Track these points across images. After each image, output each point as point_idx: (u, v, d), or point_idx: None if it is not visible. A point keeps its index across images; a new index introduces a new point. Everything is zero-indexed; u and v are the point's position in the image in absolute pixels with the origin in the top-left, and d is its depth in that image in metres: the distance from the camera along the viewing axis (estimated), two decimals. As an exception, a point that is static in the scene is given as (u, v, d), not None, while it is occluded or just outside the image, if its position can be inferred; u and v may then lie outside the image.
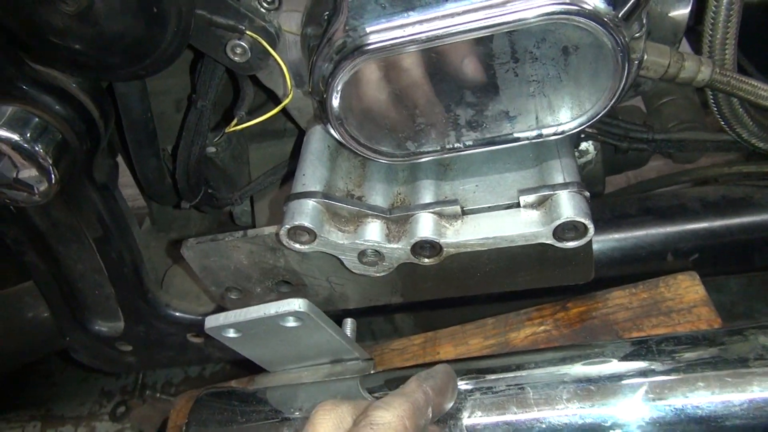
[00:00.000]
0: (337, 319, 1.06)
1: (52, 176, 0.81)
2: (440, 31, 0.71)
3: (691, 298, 0.99)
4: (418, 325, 1.34)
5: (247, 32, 0.85)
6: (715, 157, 1.34)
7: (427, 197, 0.88)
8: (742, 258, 1.03)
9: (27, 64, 0.80)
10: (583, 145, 1.14)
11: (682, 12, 0.86)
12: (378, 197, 0.90)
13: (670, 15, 0.86)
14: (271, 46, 0.87)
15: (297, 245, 0.86)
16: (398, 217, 0.86)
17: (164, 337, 1.18)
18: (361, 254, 0.87)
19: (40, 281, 1.08)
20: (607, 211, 1.06)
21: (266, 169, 1.21)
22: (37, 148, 0.79)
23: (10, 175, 0.82)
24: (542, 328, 1.04)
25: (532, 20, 0.68)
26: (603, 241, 1.06)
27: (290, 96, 0.89)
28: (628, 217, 1.05)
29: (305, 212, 0.84)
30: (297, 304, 0.81)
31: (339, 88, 0.77)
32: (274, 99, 0.98)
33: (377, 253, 0.87)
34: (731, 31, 0.81)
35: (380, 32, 0.73)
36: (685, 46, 0.98)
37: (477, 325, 1.08)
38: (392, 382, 0.92)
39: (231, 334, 0.87)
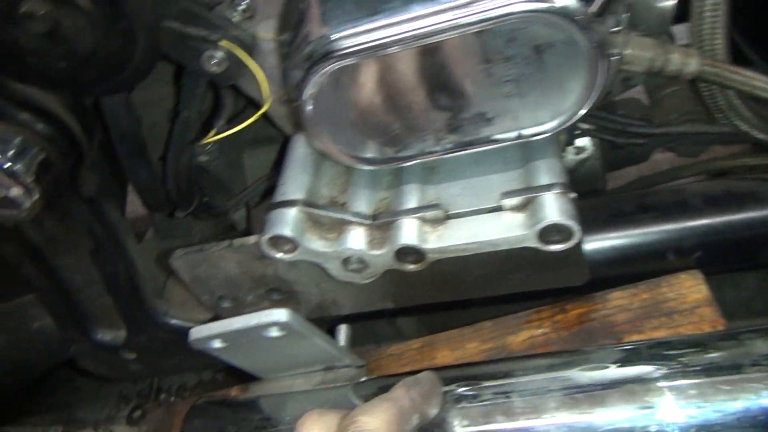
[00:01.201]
0: (338, 323, 1.06)
1: (35, 194, 0.82)
2: (407, 35, 0.69)
3: (694, 298, 0.95)
4: (421, 328, 1.33)
5: (221, 42, 0.84)
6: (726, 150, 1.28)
7: (411, 202, 0.86)
8: (747, 254, 0.98)
9: (5, 82, 0.81)
10: (581, 142, 1.11)
11: (669, 2, 0.82)
12: (362, 203, 0.89)
13: (656, 5, 0.82)
14: (248, 54, 0.86)
15: (279, 254, 0.86)
16: (381, 224, 0.85)
17: (167, 345, 1.19)
18: (345, 262, 0.86)
19: (40, 293, 1.09)
20: (603, 209, 1.03)
21: (261, 175, 1.21)
22: (17, 167, 0.80)
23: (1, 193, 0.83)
24: (540, 331, 1.01)
25: (497, 20, 0.65)
26: (600, 240, 1.02)
27: (267, 104, 0.88)
28: (625, 215, 1.01)
29: (285, 221, 0.83)
30: (278, 314, 0.81)
31: (310, 95, 0.76)
32: (256, 107, 0.97)
33: (361, 260, 0.85)
34: (720, 20, 0.77)
35: (347, 38, 0.71)
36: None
37: (475, 329, 1.07)
38: (385, 389, 0.91)
39: (217, 344, 0.87)
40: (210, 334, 0.85)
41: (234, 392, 1.09)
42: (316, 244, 0.84)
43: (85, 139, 0.89)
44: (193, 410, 0.96)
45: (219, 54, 0.85)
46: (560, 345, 0.98)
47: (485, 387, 0.80)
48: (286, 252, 0.85)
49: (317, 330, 0.87)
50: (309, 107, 0.77)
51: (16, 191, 0.82)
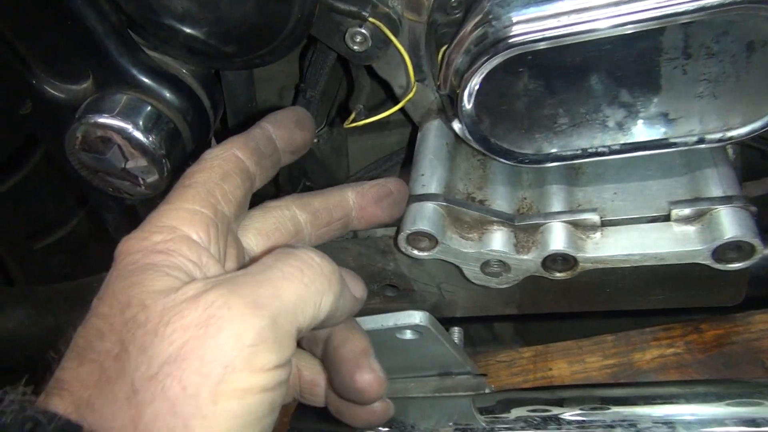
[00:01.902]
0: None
1: (165, 168, 0.77)
2: (602, 23, 0.62)
3: None
4: (518, 333, 1.26)
5: (370, 19, 0.78)
6: None
7: (558, 204, 0.80)
8: None
9: (142, 50, 0.76)
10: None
11: None
12: (502, 202, 0.82)
13: None
14: (393, 35, 0.80)
15: (415, 251, 0.80)
16: (528, 226, 0.78)
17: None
18: (485, 264, 0.80)
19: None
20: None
21: (365, 163, 1.15)
22: (150, 139, 0.75)
23: (119, 164, 0.78)
24: (671, 350, 0.94)
25: (720, 8, 0.58)
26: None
27: (413, 90, 0.82)
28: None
29: (426, 216, 0.77)
30: (418, 317, 0.75)
31: (475, 83, 0.69)
32: (389, 91, 0.91)
33: (502, 264, 0.79)
34: None
35: (528, 22, 0.64)
36: None
37: (594, 341, 1.00)
38: (506, 403, 0.85)
39: None
40: None
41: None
42: (457, 243, 0.78)
43: (212, 113, 0.84)
44: (300, 409, 0.91)
45: (364, 32, 0.79)
46: (697, 368, 0.90)
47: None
48: (422, 249, 0.79)
49: (448, 335, 0.81)
50: (469, 96, 0.71)
51: (139, 163, 0.77)
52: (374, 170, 1.11)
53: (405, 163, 1.08)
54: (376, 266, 0.90)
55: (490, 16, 0.67)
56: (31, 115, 0.81)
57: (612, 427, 0.77)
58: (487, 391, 0.87)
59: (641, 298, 0.85)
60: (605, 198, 0.80)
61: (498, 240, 0.78)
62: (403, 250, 0.80)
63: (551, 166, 0.83)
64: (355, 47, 0.81)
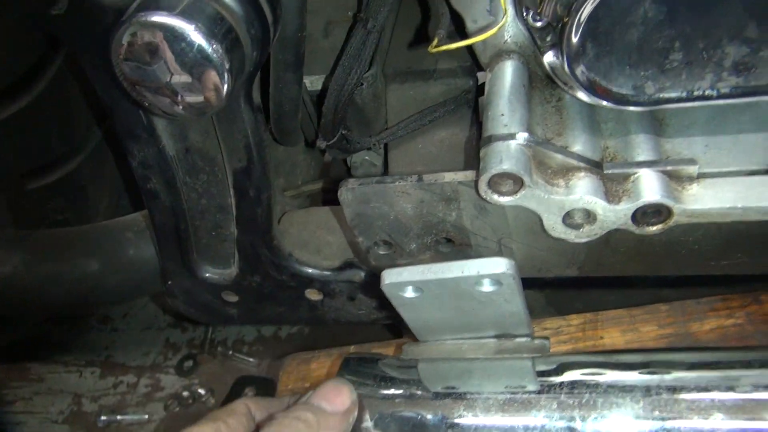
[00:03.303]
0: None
1: (225, 85, 0.68)
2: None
3: None
4: (550, 303, 1.21)
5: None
6: None
7: (644, 155, 0.74)
8: None
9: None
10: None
11: None
12: (584, 149, 0.76)
13: None
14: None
15: (495, 196, 0.73)
16: (617, 174, 0.73)
17: (279, 290, 1.06)
18: (568, 215, 0.74)
19: (156, 214, 0.95)
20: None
21: (405, 113, 1.07)
22: (214, 47, 0.65)
23: (163, 78, 0.68)
24: (731, 321, 0.90)
25: None
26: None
27: (506, 17, 0.74)
28: None
29: (513, 156, 0.70)
30: (504, 264, 0.69)
31: (586, 13, 0.63)
32: (459, 26, 0.84)
33: (587, 214, 0.73)
34: None
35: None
36: None
37: (647, 311, 0.95)
38: (567, 367, 0.79)
39: (409, 293, 0.75)
40: (411, 279, 0.72)
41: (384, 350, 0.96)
42: (544, 188, 0.72)
43: (272, 30, 0.75)
44: (347, 364, 0.84)
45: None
46: (760, 339, 0.87)
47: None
48: (503, 194, 0.72)
49: (523, 292, 0.75)
50: (578, 28, 0.64)
51: (183, 79, 0.68)
52: (415, 122, 1.03)
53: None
54: (436, 216, 0.83)
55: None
56: (65, 15, 0.70)
57: (675, 390, 0.72)
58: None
59: (717, 262, 0.81)
60: (696, 151, 0.75)
61: (587, 187, 0.71)
62: (482, 194, 0.73)
63: (633, 115, 0.78)
64: (438, -33, 0.73)
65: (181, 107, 0.71)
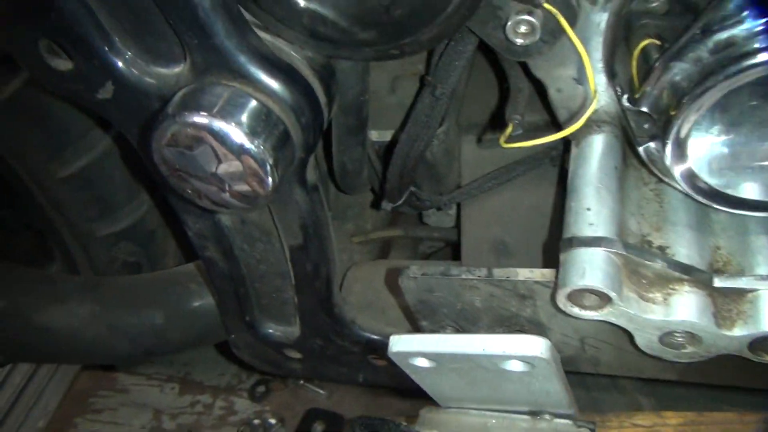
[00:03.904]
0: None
1: (270, 181, 0.61)
2: None
3: None
4: (647, 385, 1.08)
5: (544, 5, 0.60)
6: None
7: (767, 264, 0.61)
8: None
9: (252, 30, 0.60)
10: None
11: None
12: (689, 252, 0.64)
13: None
14: (569, 25, 0.61)
15: (576, 309, 0.62)
16: (731, 290, 0.60)
17: (342, 354, 1.01)
18: (667, 334, 0.62)
19: (214, 279, 0.92)
20: None
21: (480, 169, 0.97)
22: (256, 144, 0.59)
23: (209, 167, 0.63)
24: None
25: None
26: None
27: (595, 100, 0.63)
28: None
29: (599, 268, 0.59)
30: (538, 347, 0.58)
31: (706, 104, 0.50)
32: (541, 94, 0.73)
33: (691, 336, 0.61)
34: None
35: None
36: None
37: (763, 418, 0.81)
38: None
39: (422, 362, 0.66)
40: (423, 350, 0.63)
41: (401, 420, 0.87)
42: (637, 306, 0.60)
43: (327, 111, 0.67)
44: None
45: (534, 20, 0.60)
46: None
47: None
48: (587, 308, 0.62)
49: (563, 373, 0.64)
50: (689, 126, 0.52)
51: (236, 168, 0.62)
52: (491, 181, 0.93)
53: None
54: (509, 311, 0.73)
55: (739, 18, 0.47)
56: (111, 100, 0.66)
57: None
58: None
59: None
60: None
61: (691, 306, 0.59)
62: (561, 306, 0.63)
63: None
64: (518, 40, 0.62)
65: (228, 195, 0.65)
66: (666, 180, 0.64)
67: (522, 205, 0.94)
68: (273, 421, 1.62)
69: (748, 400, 0.83)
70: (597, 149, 0.69)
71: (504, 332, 0.77)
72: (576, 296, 0.61)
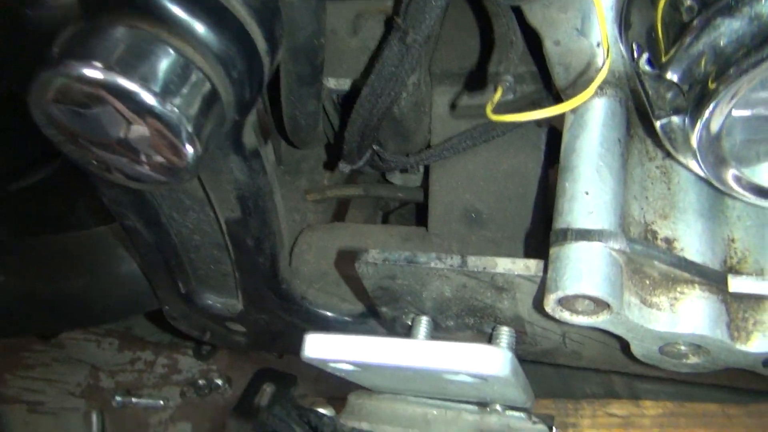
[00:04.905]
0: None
1: (190, 152, 0.48)
2: None
3: None
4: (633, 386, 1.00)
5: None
6: None
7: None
8: None
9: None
10: None
11: None
12: (702, 246, 0.54)
13: None
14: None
15: (567, 315, 0.52)
16: (747, 297, 0.51)
17: (291, 329, 0.90)
18: (670, 344, 0.53)
19: (140, 249, 0.79)
20: None
21: (453, 127, 0.84)
22: (169, 108, 0.45)
23: (115, 132, 0.49)
24: None
25: None
26: None
27: (607, 63, 0.50)
28: None
29: (599, 271, 0.49)
30: (497, 364, 0.48)
31: (755, 82, 0.39)
32: (536, 47, 0.60)
33: (697, 348, 0.52)
34: None
35: None
36: None
37: (749, 412, 0.75)
38: None
39: (344, 366, 0.56)
40: (342, 358, 0.53)
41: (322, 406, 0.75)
42: (639, 314, 0.50)
43: (269, 60, 0.53)
44: (265, 417, 0.66)
45: (535, -47, 0.47)
46: None
47: None
48: (580, 313, 0.52)
49: (524, 376, 0.55)
50: (725, 107, 0.41)
51: (166, 150, 0.48)
52: (466, 141, 0.80)
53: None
54: (482, 302, 0.63)
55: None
56: None
57: None
58: None
59: None
60: None
61: (702, 316, 0.50)
62: (549, 311, 0.52)
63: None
64: (514, -23, 0.49)
65: (147, 168, 0.51)
66: (680, 159, 0.53)
67: (499, 169, 0.83)
68: (220, 381, 1.52)
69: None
70: (597, 117, 0.58)
71: (474, 322, 0.67)
72: (569, 301, 0.51)
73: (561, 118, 0.60)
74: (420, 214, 1.10)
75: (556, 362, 0.73)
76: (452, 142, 0.81)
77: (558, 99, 0.65)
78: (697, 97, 0.43)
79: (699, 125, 0.43)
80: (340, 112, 0.84)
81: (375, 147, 0.83)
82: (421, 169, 0.95)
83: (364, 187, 1.03)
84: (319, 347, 0.54)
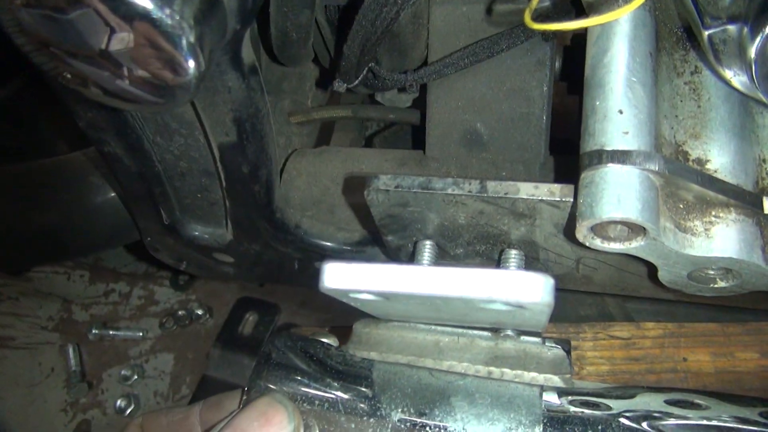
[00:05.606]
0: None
1: (192, 67, 0.42)
2: None
3: None
4: (626, 308, 1.00)
5: None
6: None
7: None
8: None
9: None
10: None
11: None
12: (735, 167, 0.52)
13: None
14: None
15: (598, 241, 0.50)
16: (784, 219, 0.49)
17: (284, 260, 0.86)
18: (700, 269, 0.51)
19: (120, 178, 0.72)
20: None
21: (454, 41, 0.79)
22: (172, 16, 0.39)
23: (96, 41, 0.42)
24: None
25: None
26: None
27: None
28: None
29: (637, 195, 0.46)
30: (539, 291, 0.46)
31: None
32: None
33: (728, 272, 0.51)
34: None
35: None
36: None
37: (747, 330, 0.76)
38: (593, 405, 0.58)
39: (366, 296, 0.53)
40: (368, 288, 0.49)
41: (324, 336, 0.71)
42: (674, 239, 0.48)
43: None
44: (269, 352, 0.62)
45: None
46: None
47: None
48: (613, 240, 0.49)
49: None
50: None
51: (163, 66, 0.42)
52: (468, 58, 0.75)
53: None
54: (498, 228, 0.60)
55: None
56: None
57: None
58: (567, 376, 0.60)
59: None
60: None
61: (738, 239, 0.48)
62: (580, 239, 0.50)
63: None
64: None
65: (130, 84, 0.45)
66: (724, 73, 0.49)
67: (501, 88, 0.78)
68: (200, 311, 1.49)
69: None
70: (625, 28, 0.53)
71: (485, 249, 0.65)
72: (602, 227, 0.48)
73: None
74: (416, 137, 1.06)
75: (564, 288, 0.71)
76: (453, 58, 0.75)
77: (579, 8, 0.60)
78: (761, 3, 0.39)
79: (762, 35, 0.39)
80: (335, 26, 0.77)
81: (372, 65, 0.77)
82: (415, 89, 0.89)
83: (352, 108, 0.97)
84: (341, 277, 0.49)
